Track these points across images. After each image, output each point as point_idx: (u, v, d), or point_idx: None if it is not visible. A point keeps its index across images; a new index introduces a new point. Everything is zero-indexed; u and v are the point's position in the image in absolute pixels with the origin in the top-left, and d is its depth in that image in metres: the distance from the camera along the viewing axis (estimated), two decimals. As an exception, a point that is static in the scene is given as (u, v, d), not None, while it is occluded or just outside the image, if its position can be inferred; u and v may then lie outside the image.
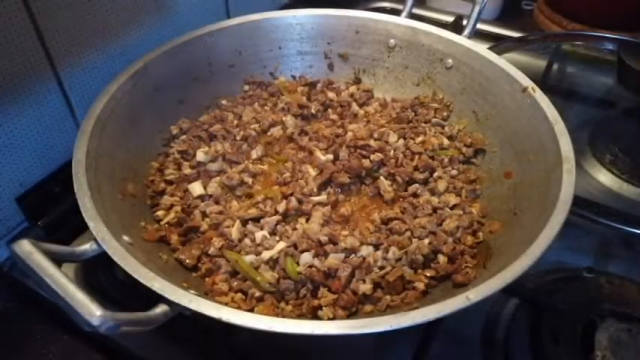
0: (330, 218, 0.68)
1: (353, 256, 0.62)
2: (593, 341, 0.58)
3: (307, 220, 0.67)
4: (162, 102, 0.78)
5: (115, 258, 0.51)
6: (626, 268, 0.72)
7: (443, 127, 0.82)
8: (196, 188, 0.71)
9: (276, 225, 0.66)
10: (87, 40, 0.72)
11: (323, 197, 0.70)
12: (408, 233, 0.65)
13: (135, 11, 0.78)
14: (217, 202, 0.70)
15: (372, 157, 0.74)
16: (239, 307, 0.58)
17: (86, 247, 0.53)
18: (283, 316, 0.58)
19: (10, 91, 0.65)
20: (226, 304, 0.56)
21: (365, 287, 0.59)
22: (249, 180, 0.73)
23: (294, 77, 0.91)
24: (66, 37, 0.69)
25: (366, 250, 0.63)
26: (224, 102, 0.86)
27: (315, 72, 0.91)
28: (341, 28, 0.88)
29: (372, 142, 0.77)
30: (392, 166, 0.74)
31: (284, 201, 0.68)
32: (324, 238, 0.63)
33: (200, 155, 0.75)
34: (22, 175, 0.71)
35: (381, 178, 0.73)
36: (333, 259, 0.61)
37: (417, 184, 0.73)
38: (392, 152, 0.76)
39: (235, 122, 0.82)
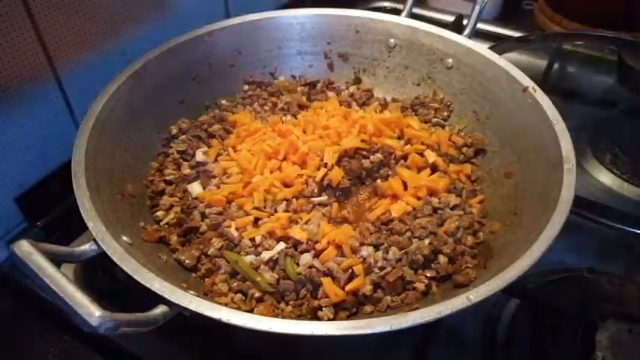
0: (330, 219, 0.68)
1: (353, 256, 0.62)
2: (593, 341, 0.57)
3: (307, 221, 0.67)
4: (161, 102, 0.78)
5: (115, 258, 0.51)
6: (627, 268, 0.72)
7: (443, 127, 0.82)
8: (196, 188, 0.71)
9: (276, 225, 0.66)
10: (87, 40, 0.72)
11: (324, 198, 0.70)
12: (409, 233, 0.65)
13: (135, 11, 0.77)
14: (217, 203, 0.70)
15: (372, 157, 0.74)
16: (239, 308, 0.58)
17: (85, 247, 0.53)
18: (283, 317, 0.58)
19: (10, 91, 0.65)
20: (226, 305, 0.56)
21: (365, 288, 0.59)
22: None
23: (294, 77, 0.91)
24: (66, 37, 0.69)
25: (366, 251, 0.63)
26: (224, 102, 0.86)
27: (315, 72, 0.91)
28: (341, 27, 0.88)
29: (372, 142, 0.76)
30: (392, 166, 0.74)
31: (284, 201, 0.68)
32: (324, 239, 0.63)
33: (199, 155, 0.75)
34: (21, 176, 0.71)
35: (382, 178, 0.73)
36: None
37: (417, 184, 0.72)
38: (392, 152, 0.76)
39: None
